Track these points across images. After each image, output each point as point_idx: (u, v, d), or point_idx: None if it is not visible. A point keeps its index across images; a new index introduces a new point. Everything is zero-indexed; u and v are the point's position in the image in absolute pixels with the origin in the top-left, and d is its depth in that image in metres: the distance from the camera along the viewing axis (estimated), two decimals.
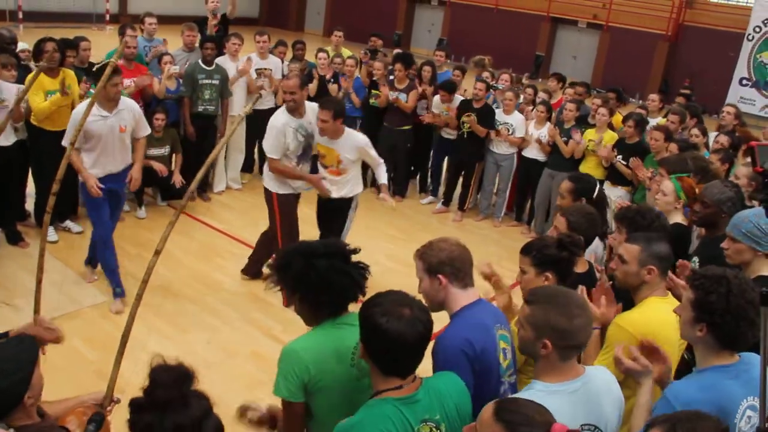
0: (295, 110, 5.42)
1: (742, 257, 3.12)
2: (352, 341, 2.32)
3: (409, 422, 2.03)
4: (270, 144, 5.45)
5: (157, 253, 2.60)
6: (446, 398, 2.15)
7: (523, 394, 2.11)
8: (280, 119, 5.41)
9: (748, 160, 4.91)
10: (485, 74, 8.35)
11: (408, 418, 2.03)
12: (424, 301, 2.55)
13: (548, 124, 7.41)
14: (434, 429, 2.07)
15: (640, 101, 13.85)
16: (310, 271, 2.35)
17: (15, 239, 6.14)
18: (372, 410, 2.05)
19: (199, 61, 7.41)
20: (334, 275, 2.34)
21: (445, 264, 2.47)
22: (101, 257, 5.53)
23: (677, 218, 4.16)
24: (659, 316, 2.73)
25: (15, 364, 2.02)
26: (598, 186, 4.32)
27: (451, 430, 2.10)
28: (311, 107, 5.53)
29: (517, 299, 3.15)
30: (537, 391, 2.14)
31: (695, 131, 6.37)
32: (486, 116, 7.65)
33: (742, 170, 4.61)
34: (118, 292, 5.40)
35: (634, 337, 2.63)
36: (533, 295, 2.29)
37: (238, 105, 7.83)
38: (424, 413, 2.07)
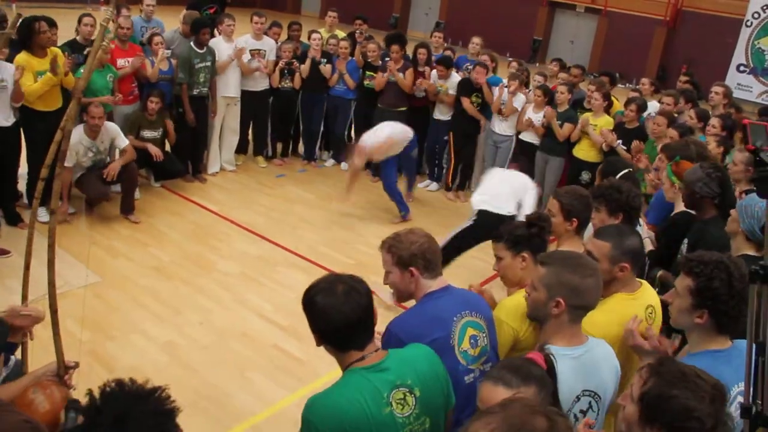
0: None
1: (732, 227, 3.19)
2: None
3: (378, 389, 2.04)
4: None
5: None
6: (416, 363, 2.15)
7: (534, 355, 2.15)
8: None
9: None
10: (483, 57, 8.30)
11: (376, 384, 2.04)
12: (391, 291, 2.60)
13: (547, 107, 7.37)
14: (407, 394, 2.08)
15: (637, 86, 13.77)
16: None
17: (15, 220, 6.07)
18: (339, 382, 2.06)
19: (192, 45, 7.33)
20: None
21: (416, 257, 2.46)
22: None
23: (682, 206, 3.96)
24: None
25: None
26: (628, 168, 4.32)
27: (425, 391, 2.12)
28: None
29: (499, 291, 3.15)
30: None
31: (691, 113, 6.34)
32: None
33: (738, 156, 4.56)
34: None
35: None
36: (547, 258, 2.36)
37: (233, 87, 7.82)
38: (395, 380, 2.08)
